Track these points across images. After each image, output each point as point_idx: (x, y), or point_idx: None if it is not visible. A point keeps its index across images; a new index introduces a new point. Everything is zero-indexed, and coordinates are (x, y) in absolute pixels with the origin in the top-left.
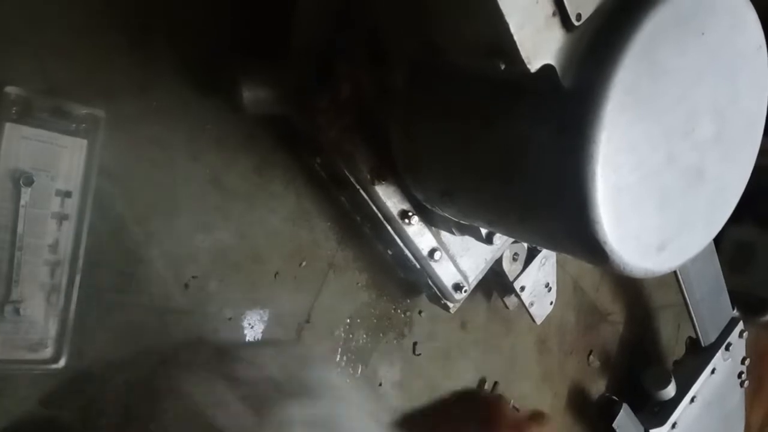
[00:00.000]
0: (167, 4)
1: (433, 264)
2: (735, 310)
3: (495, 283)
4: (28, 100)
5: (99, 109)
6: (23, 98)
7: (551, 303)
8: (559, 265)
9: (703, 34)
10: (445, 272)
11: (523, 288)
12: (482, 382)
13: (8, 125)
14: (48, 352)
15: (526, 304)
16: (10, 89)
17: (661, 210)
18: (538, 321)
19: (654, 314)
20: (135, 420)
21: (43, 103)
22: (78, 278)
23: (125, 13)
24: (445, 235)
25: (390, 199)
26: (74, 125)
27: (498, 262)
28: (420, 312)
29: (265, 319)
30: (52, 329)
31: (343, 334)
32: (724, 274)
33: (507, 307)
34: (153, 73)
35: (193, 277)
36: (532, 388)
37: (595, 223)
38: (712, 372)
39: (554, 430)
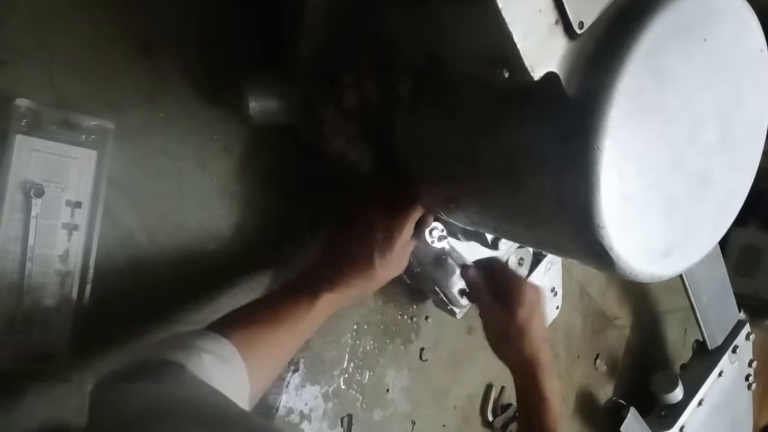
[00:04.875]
0: (175, 15)
1: (439, 270)
2: (741, 313)
3: None
4: (37, 113)
5: (108, 120)
6: (33, 111)
7: (557, 307)
8: (565, 269)
9: (705, 40)
10: (451, 278)
11: None
12: (489, 387)
13: (18, 137)
14: (58, 364)
15: None
16: (20, 102)
17: (666, 215)
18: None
19: (661, 318)
20: None
21: (53, 115)
22: (88, 288)
23: (133, 25)
24: (450, 241)
25: None
26: (83, 136)
27: None
28: (426, 318)
29: None
30: (63, 340)
31: (350, 341)
32: (729, 278)
33: None
34: (161, 84)
35: (202, 287)
36: None
37: (600, 229)
38: (720, 375)
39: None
